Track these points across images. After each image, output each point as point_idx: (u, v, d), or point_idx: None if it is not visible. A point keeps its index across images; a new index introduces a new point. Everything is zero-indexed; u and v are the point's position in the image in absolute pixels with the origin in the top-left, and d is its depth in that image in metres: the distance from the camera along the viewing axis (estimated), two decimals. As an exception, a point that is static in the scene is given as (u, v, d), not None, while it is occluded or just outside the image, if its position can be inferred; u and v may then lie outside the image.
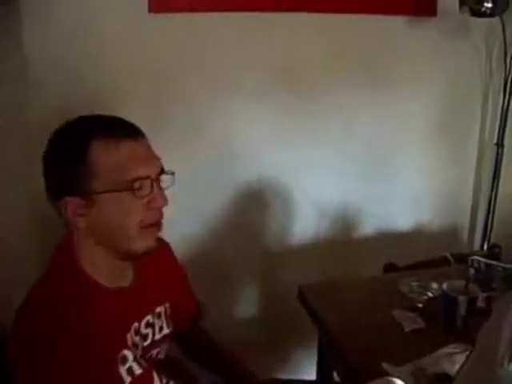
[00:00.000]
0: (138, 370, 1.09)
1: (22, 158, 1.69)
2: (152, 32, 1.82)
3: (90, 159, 1.04)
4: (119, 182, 1.04)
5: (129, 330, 1.14)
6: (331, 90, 2.01)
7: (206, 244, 2.05)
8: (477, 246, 2.24)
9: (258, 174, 2.04)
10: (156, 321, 1.23)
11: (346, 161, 2.09)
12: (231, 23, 1.85)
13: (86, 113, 1.12)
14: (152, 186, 1.08)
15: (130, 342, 1.12)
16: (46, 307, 1.02)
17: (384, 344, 1.34)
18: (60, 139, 1.09)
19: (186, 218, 1.99)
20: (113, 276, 1.13)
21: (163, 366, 1.22)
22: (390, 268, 1.73)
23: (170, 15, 1.81)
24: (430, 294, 1.47)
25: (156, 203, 1.09)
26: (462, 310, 1.35)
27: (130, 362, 1.09)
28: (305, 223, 2.13)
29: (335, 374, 1.58)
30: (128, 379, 1.07)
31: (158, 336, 1.24)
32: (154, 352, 1.24)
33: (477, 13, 1.80)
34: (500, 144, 2.06)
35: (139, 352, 1.15)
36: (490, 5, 1.77)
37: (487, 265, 1.54)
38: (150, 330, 1.21)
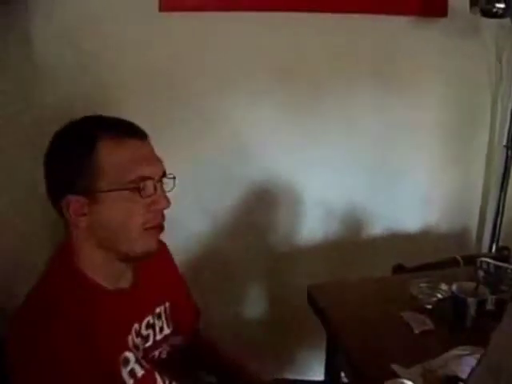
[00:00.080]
0: (140, 372, 1.10)
1: (27, 156, 1.68)
2: (161, 31, 1.81)
3: (96, 158, 1.05)
4: (124, 180, 1.05)
5: (130, 331, 1.14)
6: (339, 90, 2.01)
7: (213, 244, 2.05)
8: (485, 248, 2.23)
9: (266, 174, 2.03)
10: (156, 321, 1.23)
11: (354, 162, 2.08)
12: (240, 22, 1.84)
13: (90, 112, 1.12)
14: (155, 187, 1.09)
15: (131, 344, 1.12)
16: (45, 308, 1.02)
17: (393, 345, 1.33)
18: (65, 138, 1.10)
19: (192, 219, 1.99)
20: (112, 277, 1.13)
21: (165, 367, 1.22)
22: (398, 269, 1.73)
23: (179, 14, 1.81)
24: (439, 296, 1.47)
25: (159, 205, 1.10)
26: (471, 312, 1.35)
27: (132, 364, 1.09)
28: (313, 224, 2.12)
29: (343, 375, 1.58)
30: (130, 382, 1.08)
31: (158, 337, 1.24)
32: (156, 353, 1.24)
33: (488, 13, 1.79)
34: (509, 146, 2.04)
35: (140, 353, 1.15)
36: (501, 5, 1.76)
37: (496, 267, 1.53)
38: (150, 331, 1.21)
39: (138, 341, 1.15)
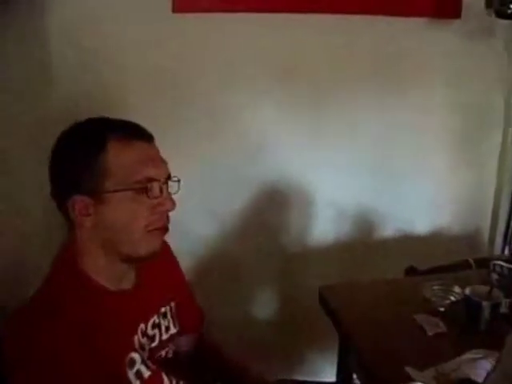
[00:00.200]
0: (146, 373, 1.10)
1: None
2: (173, 32, 1.81)
3: (105, 159, 1.05)
4: (130, 181, 1.06)
5: (136, 332, 1.14)
6: (351, 91, 1.99)
7: (222, 246, 2.05)
8: (497, 250, 2.22)
9: (276, 175, 2.02)
10: (162, 321, 1.23)
11: (366, 163, 2.07)
12: (245, 23, 1.83)
13: (95, 112, 1.13)
14: (161, 189, 1.10)
15: (137, 345, 1.12)
16: (48, 309, 1.02)
17: (406, 347, 1.33)
18: (72, 139, 1.10)
19: (201, 221, 1.99)
20: (115, 278, 1.13)
21: (172, 366, 1.22)
22: (411, 271, 1.72)
23: (191, 15, 1.81)
24: (452, 298, 1.46)
25: (164, 206, 1.10)
26: (485, 315, 1.34)
27: (138, 365, 1.09)
28: (324, 225, 2.11)
29: (355, 377, 1.58)
30: (137, 383, 1.08)
31: (165, 336, 1.24)
32: (163, 352, 1.24)
33: (502, 15, 1.78)
34: (522, 148, 2.04)
35: (146, 354, 1.15)
36: (516, 6, 1.75)
37: (510, 270, 1.52)
38: (156, 331, 1.21)
39: (143, 341, 1.15)
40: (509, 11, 1.75)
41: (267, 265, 2.09)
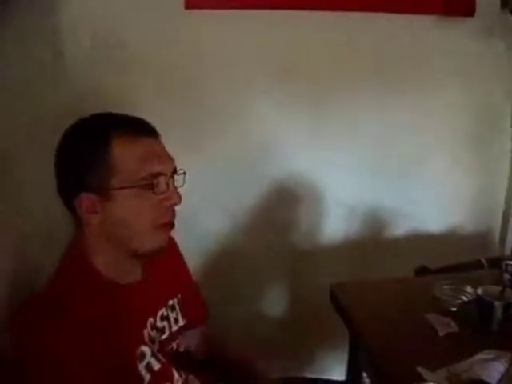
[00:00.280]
0: (156, 366, 1.10)
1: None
2: (185, 29, 1.81)
3: (110, 156, 1.05)
4: (136, 178, 1.06)
5: (145, 325, 1.14)
6: (362, 90, 1.98)
7: (233, 243, 2.05)
8: (508, 250, 2.21)
9: (288, 172, 2.02)
10: (170, 313, 1.24)
11: (378, 161, 2.06)
12: (255, 21, 1.83)
13: (107, 109, 1.12)
14: (167, 183, 1.10)
15: (146, 338, 1.13)
16: (55, 308, 1.01)
17: (417, 347, 1.32)
18: (77, 136, 1.10)
19: (212, 218, 2.00)
20: (124, 273, 1.13)
21: (182, 360, 1.23)
22: (421, 271, 1.72)
23: (204, 12, 1.81)
24: (463, 298, 1.45)
25: (171, 201, 1.11)
26: (497, 316, 1.34)
27: (148, 358, 1.10)
28: (334, 223, 2.11)
29: (365, 375, 1.58)
30: (147, 376, 1.08)
31: (174, 328, 1.24)
32: (174, 345, 1.24)
33: (518, 14, 1.77)
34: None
35: (157, 346, 1.16)
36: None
37: (521, 270, 1.52)
38: (165, 323, 1.22)
39: (153, 333, 1.16)
40: (525, 10, 1.74)
41: (277, 263, 2.09)
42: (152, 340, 1.15)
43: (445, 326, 1.37)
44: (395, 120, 2.04)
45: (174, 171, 1.14)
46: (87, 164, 1.06)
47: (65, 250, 1.13)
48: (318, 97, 1.97)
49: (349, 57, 1.95)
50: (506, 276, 1.51)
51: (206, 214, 1.96)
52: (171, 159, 1.13)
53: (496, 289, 1.38)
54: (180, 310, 1.27)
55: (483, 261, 1.68)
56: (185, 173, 1.16)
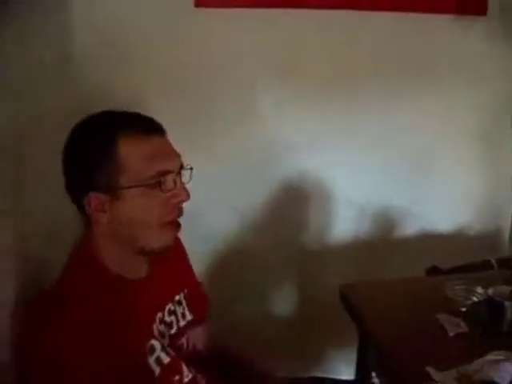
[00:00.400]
0: (166, 359, 1.11)
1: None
2: (195, 27, 1.81)
3: (118, 155, 1.05)
4: (144, 177, 1.06)
5: (154, 320, 1.15)
6: (373, 91, 1.98)
7: (241, 242, 2.05)
8: (517, 250, 2.20)
9: (297, 171, 2.02)
10: (177, 308, 1.25)
11: (387, 162, 2.06)
12: (266, 20, 1.83)
13: (114, 107, 1.13)
14: (175, 180, 1.10)
15: (156, 332, 1.14)
16: (62, 305, 1.02)
17: (427, 347, 1.32)
18: (85, 134, 1.10)
19: (221, 217, 2.00)
20: (131, 269, 1.14)
21: (192, 359, 1.23)
22: (432, 271, 1.71)
23: (213, 10, 1.80)
24: (474, 299, 1.45)
25: (178, 198, 1.11)
26: (508, 316, 1.33)
27: (158, 352, 1.10)
28: (344, 223, 2.11)
29: (373, 375, 1.58)
30: (157, 369, 1.09)
31: (182, 323, 1.25)
32: (183, 341, 1.25)
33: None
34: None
35: (166, 341, 1.16)
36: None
37: (532, 270, 1.51)
38: (173, 318, 1.22)
39: (162, 328, 1.17)
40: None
41: (285, 262, 2.09)
42: (161, 334, 1.16)
43: (454, 327, 1.37)
44: (402, 120, 2.03)
45: (181, 167, 1.14)
46: (95, 162, 1.06)
47: (72, 248, 1.14)
48: (334, 98, 1.97)
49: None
50: (516, 276, 1.50)
51: (213, 213, 1.96)
52: (178, 155, 1.14)
53: (506, 289, 1.37)
54: (187, 304, 1.28)
55: (493, 261, 1.68)
56: (192, 168, 1.16)
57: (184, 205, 1.14)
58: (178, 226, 1.14)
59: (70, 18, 1.63)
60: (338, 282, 1.61)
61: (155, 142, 1.09)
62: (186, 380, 1.15)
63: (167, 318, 1.20)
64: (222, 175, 1.93)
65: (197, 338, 1.31)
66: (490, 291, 1.37)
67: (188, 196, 1.12)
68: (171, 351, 1.14)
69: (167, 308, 1.21)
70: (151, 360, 1.08)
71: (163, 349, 1.11)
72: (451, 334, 1.35)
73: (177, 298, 1.26)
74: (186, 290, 1.29)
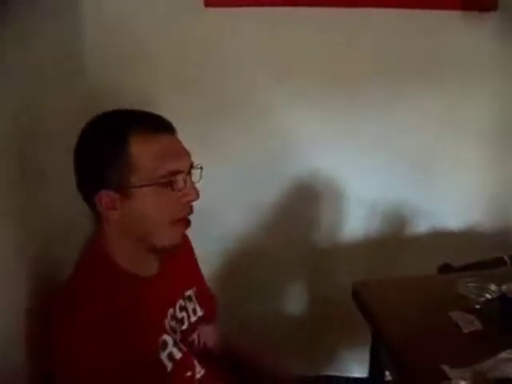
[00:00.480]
0: (178, 355, 1.11)
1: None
2: (205, 26, 1.81)
3: (129, 153, 1.05)
4: (155, 176, 1.06)
5: (165, 316, 1.16)
6: (382, 90, 1.97)
7: (254, 239, 2.06)
8: (529, 247, 2.19)
9: (308, 170, 2.02)
10: (188, 304, 1.25)
11: (397, 160, 2.05)
12: (282, 18, 1.83)
13: (124, 105, 1.13)
14: (185, 180, 1.11)
15: (168, 328, 1.14)
16: (74, 303, 1.03)
17: (441, 345, 1.31)
18: (97, 133, 1.10)
19: (233, 215, 2.01)
20: (142, 266, 1.15)
21: (204, 357, 1.23)
22: (445, 268, 1.70)
23: (223, 9, 1.80)
24: (487, 296, 1.43)
25: (188, 197, 1.11)
26: (522, 314, 1.32)
27: (170, 348, 1.10)
28: (355, 221, 2.11)
29: (387, 373, 1.57)
30: (169, 365, 1.09)
31: (193, 318, 1.26)
32: (195, 337, 1.25)
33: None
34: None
35: (178, 336, 1.17)
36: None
37: (546, 267, 1.50)
38: (184, 314, 1.23)
39: (173, 324, 1.17)
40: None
41: (297, 261, 2.09)
42: (173, 330, 1.16)
43: (469, 324, 1.36)
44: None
45: (191, 166, 1.14)
46: (106, 161, 1.06)
47: (84, 246, 1.15)
48: (344, 97, 1.97)
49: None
50: (530, 273, 1.49)
51: (224, 212, 1.96)
52: (188, 155, 1.14)
53: (520, 286, 1.36)
54: (196, 300, 1.29)
55: (506, 258, 1.67)
56: (201, 167, 1.16)
57: (194, 203, 1.14)
58: (188, 223, 1.15)
59: (81, 17, 1.64)
60: (349, 280, 1.61)
61: (165, 140, 1.09)
62: (198, 376, 1.15)
63: (178, 314, 1.21)
64: (232, 174, 1.93)
65: (207, 336, 1.31)
66: (504, 288, 1.36)
67: (197, 195, 1.12)
68: (183, 347, 1.14)
69: (178, 304, 1.22)
70: (163, 355, 1.09)
71: (175, 344, 1.12)
72: (465, 332, 1.34)
73: (187, 293, 1.27)
74: (195, 287, 1.30)
